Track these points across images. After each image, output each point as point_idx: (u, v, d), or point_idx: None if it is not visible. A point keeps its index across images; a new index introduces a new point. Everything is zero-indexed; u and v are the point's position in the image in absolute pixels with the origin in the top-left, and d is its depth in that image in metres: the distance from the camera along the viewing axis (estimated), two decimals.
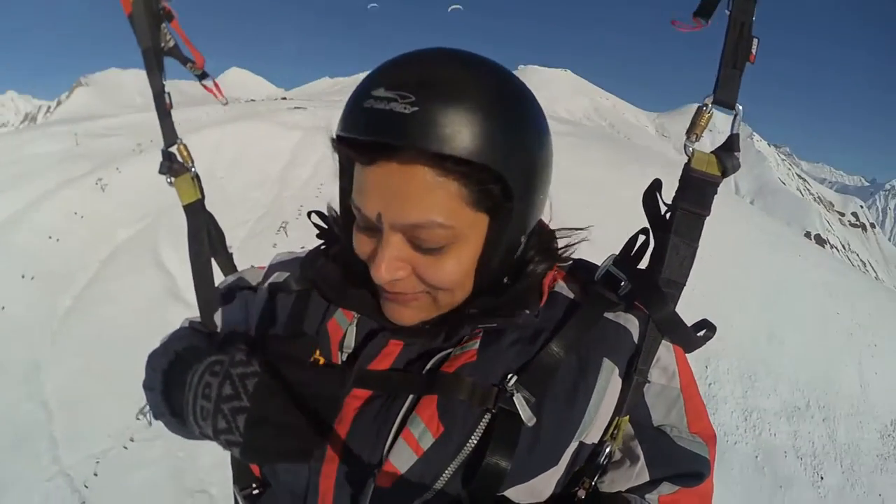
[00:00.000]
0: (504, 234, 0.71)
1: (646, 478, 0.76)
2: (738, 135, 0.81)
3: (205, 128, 13.57)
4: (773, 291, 9.83)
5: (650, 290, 0.76)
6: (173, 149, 1.11)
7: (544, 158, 0.73)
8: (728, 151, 0.80)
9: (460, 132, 0.62)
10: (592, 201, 9.58)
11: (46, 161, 12.27)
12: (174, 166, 1.10)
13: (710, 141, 0.95)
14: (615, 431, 0.75)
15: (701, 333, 0.78)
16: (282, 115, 14.93)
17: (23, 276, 8.45)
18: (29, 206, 10.07)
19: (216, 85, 1.17)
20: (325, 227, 0.96)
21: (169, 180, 1.10)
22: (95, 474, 5.40)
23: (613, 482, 0.77)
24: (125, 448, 5.53)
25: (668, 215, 0.81)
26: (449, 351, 0.76)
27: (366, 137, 0.65)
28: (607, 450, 0.75)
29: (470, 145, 0.63)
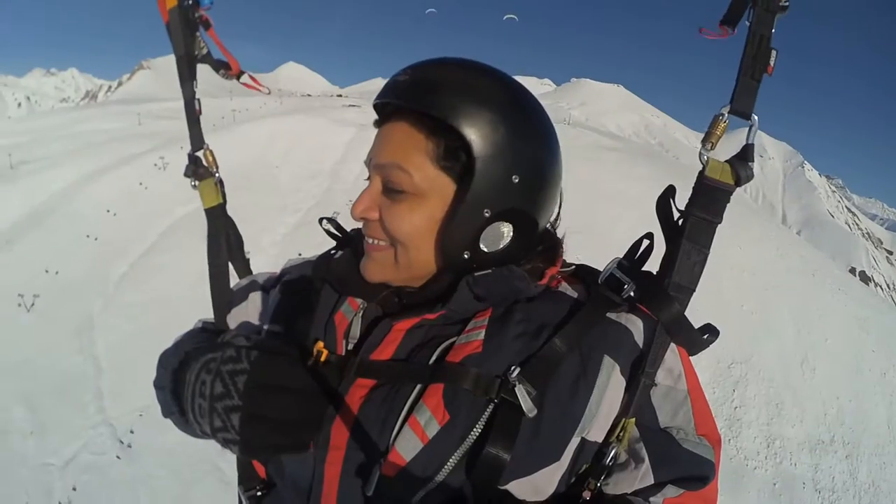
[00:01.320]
0: (464, 199, 0.74)
1: (650, 480, 0.76)
2: (752, 145, 0.82)
3: (260, 118, 14.21)
4: (808, 321, 9.72)
5: (656, 292, 0.78)
6: (200, 154, 1.15)
7: (524, 145, 0.76)
8: (743, 161, 0.81)
9: (437, 95, 0.73)
10: (628, 215, 9.73)
11: (106, 137, 13.01)
12: (199, 170, 1.15)
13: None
14: (621, 433, 0.75)
15: (705, 337, 0.79)
16: (336, 111, 15.49)
17: (80, 243, 9.04)
18: (89, 178, 10.72)
19: (253, 79, 1.20)
20: (338, 234, 1.01)
21: (193, 183, 1.15)
22: (131, 432, 5.79)
23: (618, 484, 0.77)
24: None
25: (680, 221, 0.82)
26: (453, 340, 0.78)
27: (376, 101, 0.81)
28: (613, 451, 0.75)
29: (441, 107, 0.72)
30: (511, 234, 0.78)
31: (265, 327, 0.95)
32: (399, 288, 0.83)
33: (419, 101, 0.74)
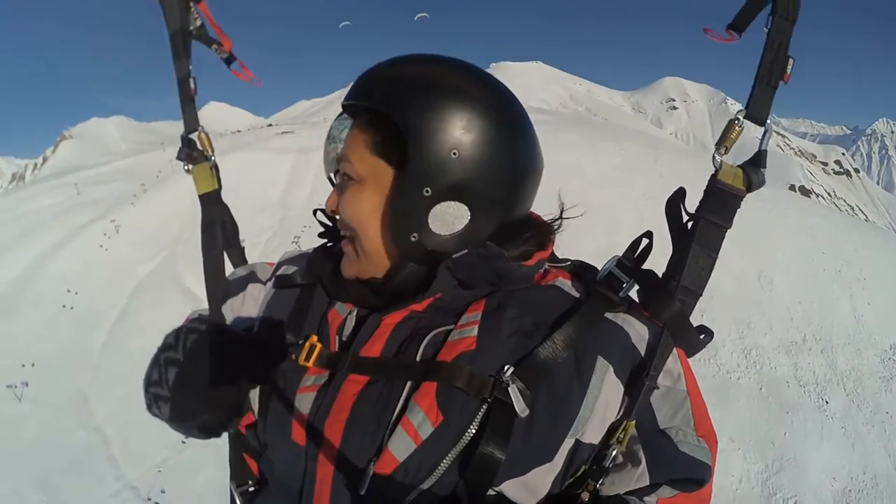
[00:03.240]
0: (400, 182, 0.75)
1: (646, 482, 0.76)
2: (766, 151, 0.82)
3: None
4: (754, 240, 10.23)
5: (660, 293, 0.78)
6: (194, 136, 1.10)
7: (460, 121, 0.74)
8: (755, 166, 0.81)
9: (376, 89, 0.76)
10: (564, 184, 10.01)
11: (51, 213, 12.71)
12: (193, 154, 1.09)
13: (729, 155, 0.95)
14: (622, 435, 0.75)
15: (701, 337, 0.81)
16: (271, 141, 15.51)
17: (52, 322, 8.90)
18: (44, 256, 10.50)
19: (244, 67, 1.13)
20: (330, 224, 1.03)
21: (186, 168, 1.10)
22: (162, 492, 5.82)
23: (614, 484, 0.77)
24: (182, 450, 5.98)
25: (689, 224, 0.82)
26: (444, 329, 0.77)
27: (343, 103, 0.85)
28: (614, 453, 0.75)
29: (377, 98, 0.75)
30: (468, 214, 0.76)
31: (259, 320, 0.95)
32: (366, 281, 0.83)
33: (361, 96, 0.78)
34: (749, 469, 6.12)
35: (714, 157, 0.83)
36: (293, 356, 0.81)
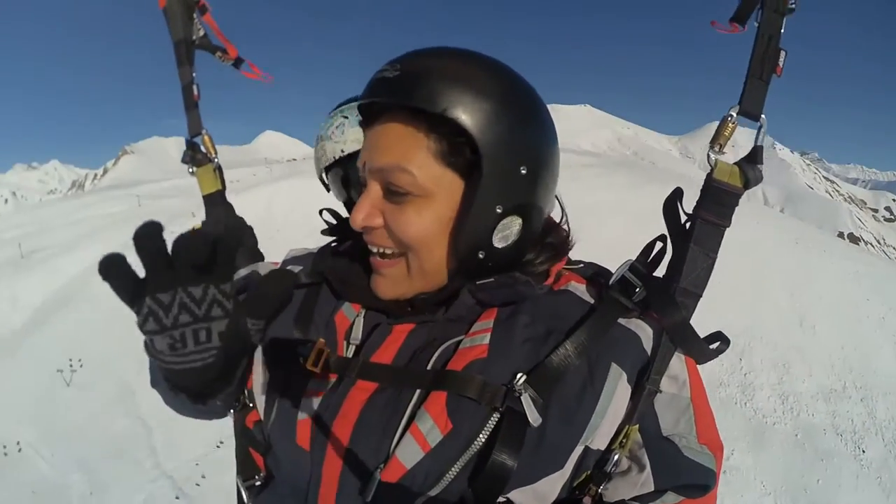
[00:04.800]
0: (474, 198, 0.70)
1: (651, 487, 0.75)
2: (761, 147, 0.80)
3: (255, 186, 14.81)
4: (799, 285, 10.18)
5: (663, 298, 0.76)
6: (198, 139, 1.12)
7: (528, 134, 0.73)
8: (751, 163, 0.79)
9: (430, 88, 0.67)
10: (611, 221, 10.32)
11: (112, 220, 13.52)
12: (197, 156, 1.11)
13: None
14: (624, 440, 0.74)
15: (714, 346, 0.78)
16: None
17: (105, 319, 9.39)
18: None
19: (254, 67, 1.14)
20: (335, 223, 0.99)
21: (191, 170, 1.12)
22: (201, 479, 6.09)
23: (618, 490, 0.76)
24: (218, 448, 6.25)
25: (687, 225, 0.81)
26: (456, 340, 0.76)
27: (362, 101, 0.75)
28: (615, 458, 0.74)
29: (438, 101, 0.67)
30: (520, 227, 0.75)
31: (263, 322, 0.97)
32: (412, 298, 0.80)
33: (413, 96, 0.68)
34: None
35: (709, 156, 0.81)
36: (301, 359, 0.78)
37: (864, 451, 6.99)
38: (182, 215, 12.99)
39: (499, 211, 0.72)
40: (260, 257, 1.24)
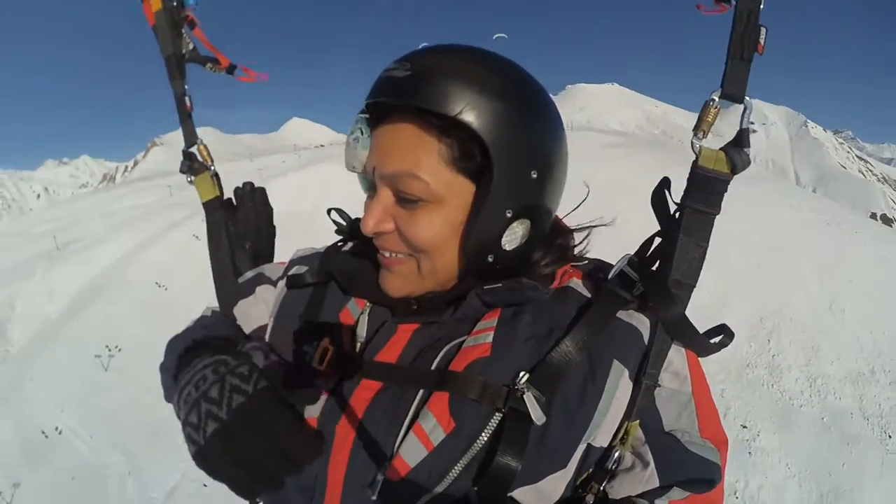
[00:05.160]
0: (485, 202, 0.70)
1: (655, 483, 0.75)
2: (747, 129, 0.78)
3: (284, 173, 15.07)
4: (829, 267, 10.01)
5: (658, 290, 0.75)
6: (193, 149, 1.15)
7: (539, 137, 0.73)
8: (737, 147, 0.78)
9: (442, 90, 0.66)
10: (638, 207, 10.01)
11: (144, 210, 13.89)
12: (194, 165, 1.15)
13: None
14: (624, 436, 0.74)
15: (717, 339, 0.76)
16: None
17: (142, 306, 9.76)
18: (138, 248, 11.50)
19: (246, 70, 1.17)
20: (344, 223, 0.99)
21: (189, 179, 1.16)
22: None
23: (623, 487, 0.76)
24: None
25: (677, 214, 0.80)
26: (461, 340, 0.76)
27: (369, 100, 0.74)
28: (616, 454, 0.74)
29: (451, 104, 0.66)
30: (529, 229, 0.76)
31: (272, 321, 0.93)
32: (419, 296, 0.80)
33: (425, 97, 0.67)
34: (803, 498, 6.01)
35: (692, 143, 0.79)
36: (306, 357, 0.79)
37: (890, 437, 6.89)
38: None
39: (508, 215, 0.72)
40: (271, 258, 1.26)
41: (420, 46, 0.74)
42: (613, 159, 15.59)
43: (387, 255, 0.77)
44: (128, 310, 9.74)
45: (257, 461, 0.61)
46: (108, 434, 7.08)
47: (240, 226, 1.19)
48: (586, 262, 0.87)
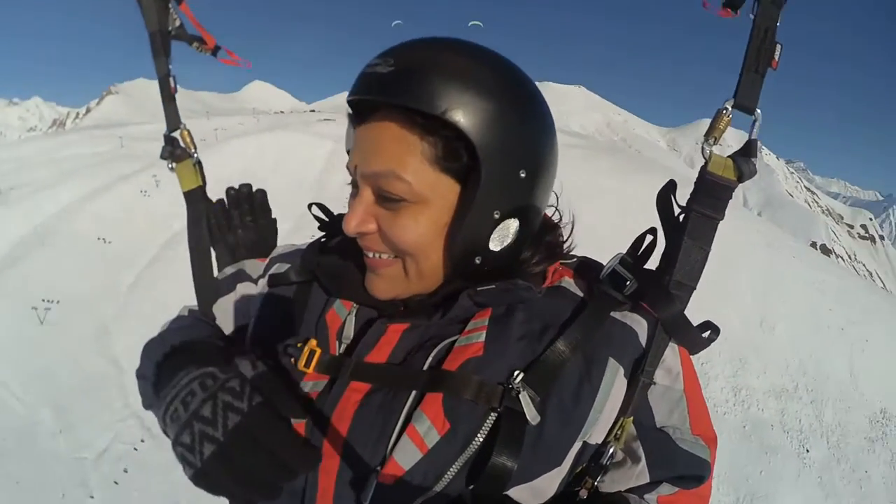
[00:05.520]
0: (472, 204, 0.68)
1: (646, 479, 0.76)
2: (756, 140, 0.79)
3: (243, 135, 14.74)
4: (765, 287, 10.45)
5: (657, 291, 0.75)
6: (176, 133, 1.08)
7: (529, 136, 0.71)
8: (745, 156, 0.79)
9: (425, 86, 0.64)
10: (593, 206, 10.45)
11: (94, 160, 13.33)
12: (176, 151, 1.07)
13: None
14: (619, 432, 0.74)
15: (705, 335, 0.78)
16: (313, 126, 16.16)
17: (84, 258, 9.39)
18: (85, 198, 11.05)
19: (231, 53, 1.13)
20: (326, 219, 0.97)
21: (170, 166, 1.08)
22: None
23: (614, 482, 0.76)
24: None
25: (681, 217, 0.80)
26: (452, 340, 0.74)
27: (352, 97, 0.71)
28: (611, 451, 0.74)
29: (436, 102, 0.63)
30: (517, 229, 0.74)
31: (253, 320, 0.91)
32: (407, 298, 0.79)
33: (408, 95, 0.65)
34: (721, 500, 6.29)
35: (703, 149, 0.80)
36: (292, 360, 0.77)
37: (808, 451, 7.28)
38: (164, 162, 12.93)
39: (496, 216, 0.71)
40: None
41: (406, 41, 0.71)
42: (570, 160, 15.82)
43: (371, 255, 0.76)
44: (69, 262, 9.36)
45: (257, 477, 0.60)
46: (40, 390, 6.81)
47: (230, 235, 1.14)
48: (574, 259, 0.87)
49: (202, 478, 0.60)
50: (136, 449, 5.90)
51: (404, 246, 0.72)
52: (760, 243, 12.50)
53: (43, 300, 8.26)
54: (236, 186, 1.18)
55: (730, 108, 0.79)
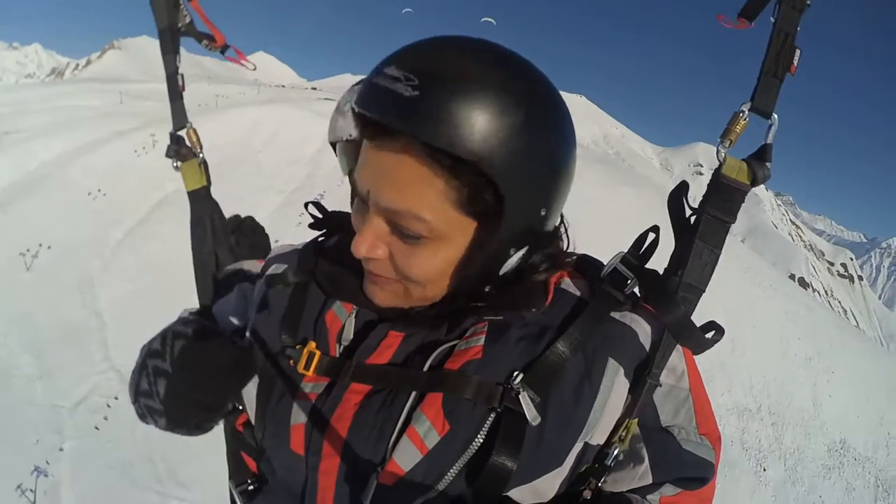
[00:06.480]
0: (490, 243, 0.67)
1: (649, 480, 0.76)
2: (771, 145, 0.79)
3: (242, 105, 14.68)
4: (738, 310, 10.65)
5: (662, 293, 0.75)
6: (182, 132, 1.08)
7: (556, 170, 0.69)
8: (760, 161, 0.79)
9: (457, 127, 0.59)
10: (582, 215, 10.48)
11: (92, 113, 13.22)
12: (182, 150, 1.07)
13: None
14: (624, 434, 0.74)
15: (709, 335, 0.76)
16: (312, 103, 16.03)
17: (74, 210, 9.38)
18: (80, 150, 10.99)
19: (239, 53, 1.13)
20: (322, 217, 0.95)
21: (175, 165, 1.08)
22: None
23: (616, 482, 0.76)
24: None
25: (692, 219, 0.80)
26: (452, 344, 0.74)
27: (367, 113, 0.63)
28: (615, 452, 0.74)
29: (465, 143, 0.59)
30: (527, 251, 0.73)
31: (252, 321, 0.90)
32: (408, 308, 0.77)
33: (436, 135, 0.59)
34: None
35: (718, 151, 0.79)
36: (291, 362, 0.77)
37: (765, 470, 7.57)
38: (163, 120, 12.82)
39: (512, 252, 0.70)
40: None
41: (423, 44, 0.66)
42: None
43: (375, 272, 0.73)
44: (59, 210, 9.34)
45: (213, 387, 0.68)
46: (20, 334, 6.86)
47: (232, 236, 1.15)
48: (575, 258, 0.85)
49: (168, 419, 0.67)
50: (115, 399, 5.98)
51: (415, 278, 0.70)
52: (739, 268, 12.79)
53: (29, 249, 8.28)
54: (241, 217, 1.21)
55: (746, 111, 0.79)
